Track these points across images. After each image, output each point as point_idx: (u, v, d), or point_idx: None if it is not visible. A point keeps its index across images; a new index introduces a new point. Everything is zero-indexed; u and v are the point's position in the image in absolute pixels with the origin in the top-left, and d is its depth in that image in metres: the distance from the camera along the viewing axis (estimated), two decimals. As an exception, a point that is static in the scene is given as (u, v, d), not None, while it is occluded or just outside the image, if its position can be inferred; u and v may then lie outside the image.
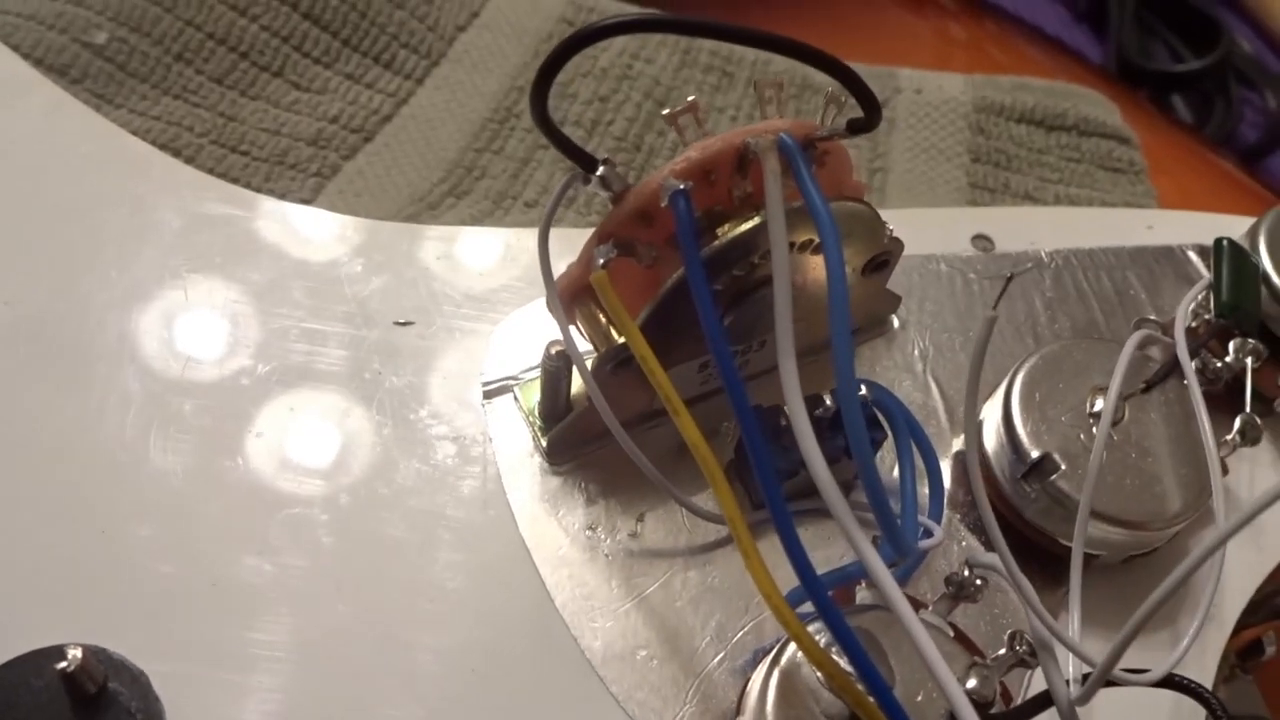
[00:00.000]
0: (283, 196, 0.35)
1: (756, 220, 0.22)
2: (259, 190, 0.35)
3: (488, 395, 0.26)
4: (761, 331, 0.25)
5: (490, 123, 0.39)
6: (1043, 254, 0.31)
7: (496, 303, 0.28)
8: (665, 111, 0.23)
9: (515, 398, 0.26)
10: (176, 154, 0.35)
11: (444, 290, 0.28)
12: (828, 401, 0.24)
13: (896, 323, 0.29)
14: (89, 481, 0.23)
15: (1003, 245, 0.31)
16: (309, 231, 0.29)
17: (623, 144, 0.39)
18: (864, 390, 0.24)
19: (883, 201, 0.41)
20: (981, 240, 0.31)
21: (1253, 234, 0.29)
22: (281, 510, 0.24)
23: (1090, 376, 0.26)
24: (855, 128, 0.22)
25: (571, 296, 0.24)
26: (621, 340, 0.23)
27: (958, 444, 0.28)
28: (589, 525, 0.25)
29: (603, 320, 0.24)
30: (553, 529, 0.24)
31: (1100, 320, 0.30)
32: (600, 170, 0.22)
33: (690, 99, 0.23)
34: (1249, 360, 0.27)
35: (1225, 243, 0.28)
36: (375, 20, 0.40)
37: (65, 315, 0.26)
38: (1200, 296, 0.28)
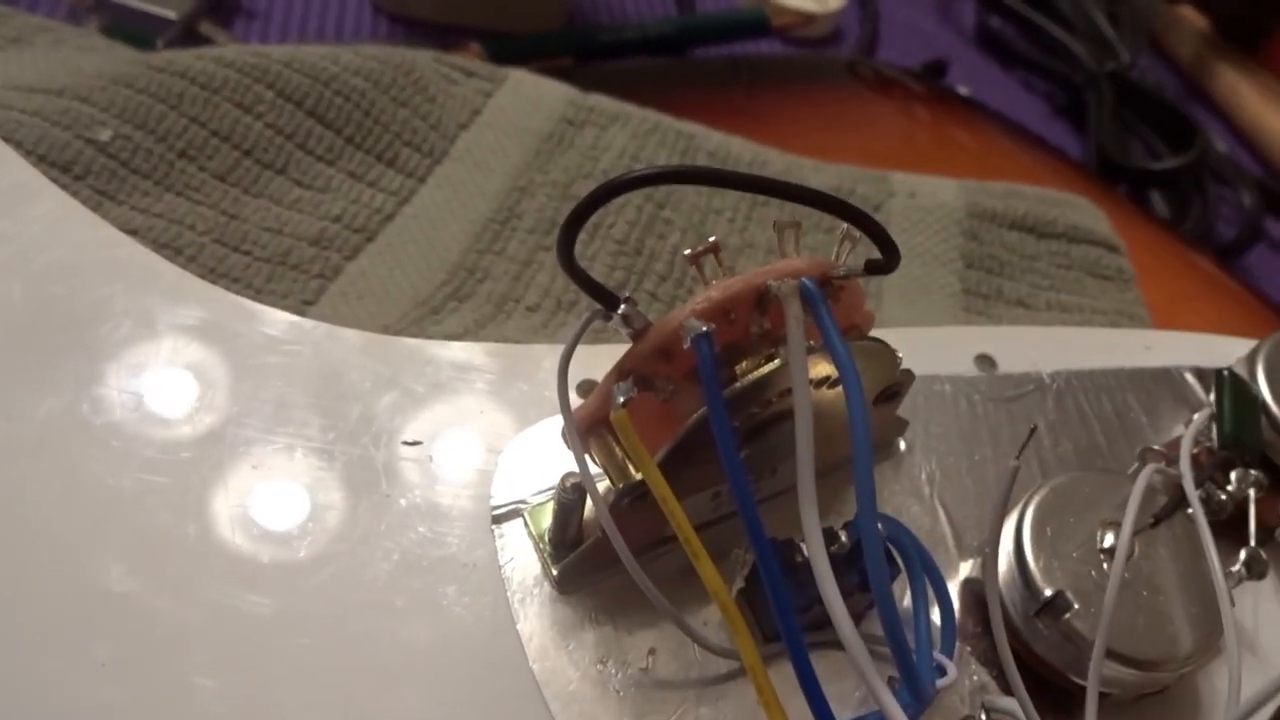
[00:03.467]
0: (285, 297, 0.35)
1: (777, 363, 0.22)
2: (260, 291, 0.35)
3: (496, 520, 0.26)
4: (774, 461, 0.25)
5: (492, 223, 0.40)
6: (1044, 375, 0.31)
7: (504, 421, 0.28)
8: (687, 252, 0.23)
9: (525, 522, 0.26)
10: (178, 253, 0.35)
11: (451, 409, 0.28)
12: (842, 538, 0.24)
13: (903, 446, 0.29)
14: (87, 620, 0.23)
15: (1005, 365, 0.31)
16: (316, 346, 0.28)
17: (624, 248, 0.39)
18: (880, 526, 0.24)
19: (879, 306, 0.41)
20: (984, 360, 0.31)
21: (1250, 361, 0.29)
22: (292, 638, 0.23)
23: (1099, 510, 0.26)
24: (872, 269, 0.23)
25: (588, 428, 0.24)
26: (639, 477, 0.23)
27: (965, 569, 0.28)
28: (599, 659, 0.24)
29: (618, 453, 0.24)
30: (563, 663, 0.24)
31: (1102, 444, 0.30)
32: (622, 309, 0.22)
33: (711, 239, 0.23)
34: (1251, 491, 0.27)
35: (1226, 374, 0.28)
36: (379, 118, 0.41)
37: (66, 432, 0.25)
38: (1202, 425, 0.28)
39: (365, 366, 0.28)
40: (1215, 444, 0.28)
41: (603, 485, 0.25)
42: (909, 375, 0.26)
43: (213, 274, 0.35)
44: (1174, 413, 0.31)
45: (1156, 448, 0.28)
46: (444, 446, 0.27)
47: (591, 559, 0.25)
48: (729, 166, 0.45)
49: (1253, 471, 0.27)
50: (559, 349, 0.29)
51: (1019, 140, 0.70)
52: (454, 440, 0.27)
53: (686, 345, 0.21)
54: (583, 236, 0.40)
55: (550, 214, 0.40)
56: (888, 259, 0.22)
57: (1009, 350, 0.32)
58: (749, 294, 0.22)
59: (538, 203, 0.41)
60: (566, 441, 0.24)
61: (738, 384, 0.22)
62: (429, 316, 0.35)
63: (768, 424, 0.24)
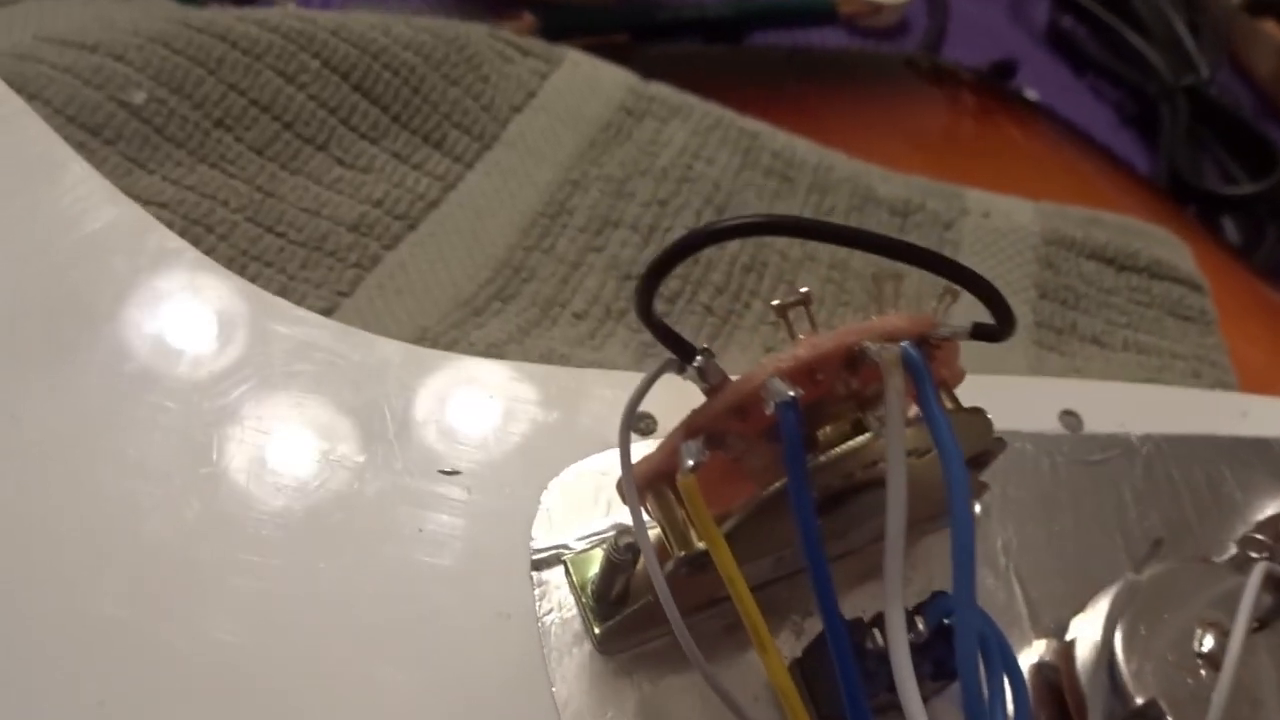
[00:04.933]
0: (319, 286, 0.33)
1: (868, 437, 0.20)
2: (294, 278, 0.33)
3: (537, 565, 0.24)
4: (846, 527, 0.23)
5: (541, 217, 0.37)
6: (1133, 438, 0.29)
7: (549, 454, 0.26)
8: (775, 303, 0.20)
9: (568, 570, 0.24)
10: (209, 230, 0.33)
11: (493, 435, 0.26)
12: (920, 626, 0.22)
13: (979, 508, 0.27)
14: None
15: (1091, 424, 0.29)
16: (350, 356, 0.26)
17: (680, 254, 0.37)
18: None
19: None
20: (1070, 417, 0.29)
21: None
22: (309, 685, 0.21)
23: (1196, 605, 0.24)
24: (982, 334, 0.20)
25: (647, 483, 0.22)
26: (701, 545, 0.20)
27: (1039, 650, 0.25)
28: (640, 729, 0.22)
29: (679, 514, 0.21)
30: (601, 733, 0.22)
31: (1193, 519, 0.28)
32: (698, 360, 0.20)
33: (804, 290, 0.20)
34: (1361, 593, 0.25)
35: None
36: (428, 96, 0.38)
37: (78, 434, 0.23)
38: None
39: (404, 383, 0.26)
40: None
41: (653, 532, 0.22)
42: (1000, 444, 0.23)
43: (244, 255, 0.33)
44: (1272, 489, 0.29)
45: (1260, 537, 0.26)
46: (484, 478, 0.25)
47: (639, 621, 0.23)
48: (793, 171, 0.42)
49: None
50: (611, 375, 0.27)
51: (1085, 150, 0.67)
52: (495, 472, 0.25)
53: (769, 411, 0.19)
54: (637, 239, 0.37)
55: (603, 211, 0.38)
56: (1002, 328, 0.20)
57: (1096, 406, 0.29)
58: (840, 354, 0.20)
59: (591, 198, 0.38)
60: (623, 496, 0.22)
61: (822, 458, 0.20)
62: (471, 319, 0.33)
63: (846, 493, 0.22)
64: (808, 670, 0.23)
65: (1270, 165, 0.64)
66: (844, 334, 0.20)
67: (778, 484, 0.20)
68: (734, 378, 0.20)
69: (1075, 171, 0.65)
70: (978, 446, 0.23)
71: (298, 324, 0.27)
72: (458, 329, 0.32)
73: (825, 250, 0.40)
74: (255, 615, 0.22)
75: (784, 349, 0.20)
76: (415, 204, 0.36)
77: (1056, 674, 0.24)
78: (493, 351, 0.31)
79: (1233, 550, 0.26)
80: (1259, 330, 0.51)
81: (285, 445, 0.24)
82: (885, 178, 0.43)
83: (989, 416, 0.22)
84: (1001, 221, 0.42)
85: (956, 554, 0.18)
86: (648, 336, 0.36)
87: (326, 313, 0.33)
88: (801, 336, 0.20)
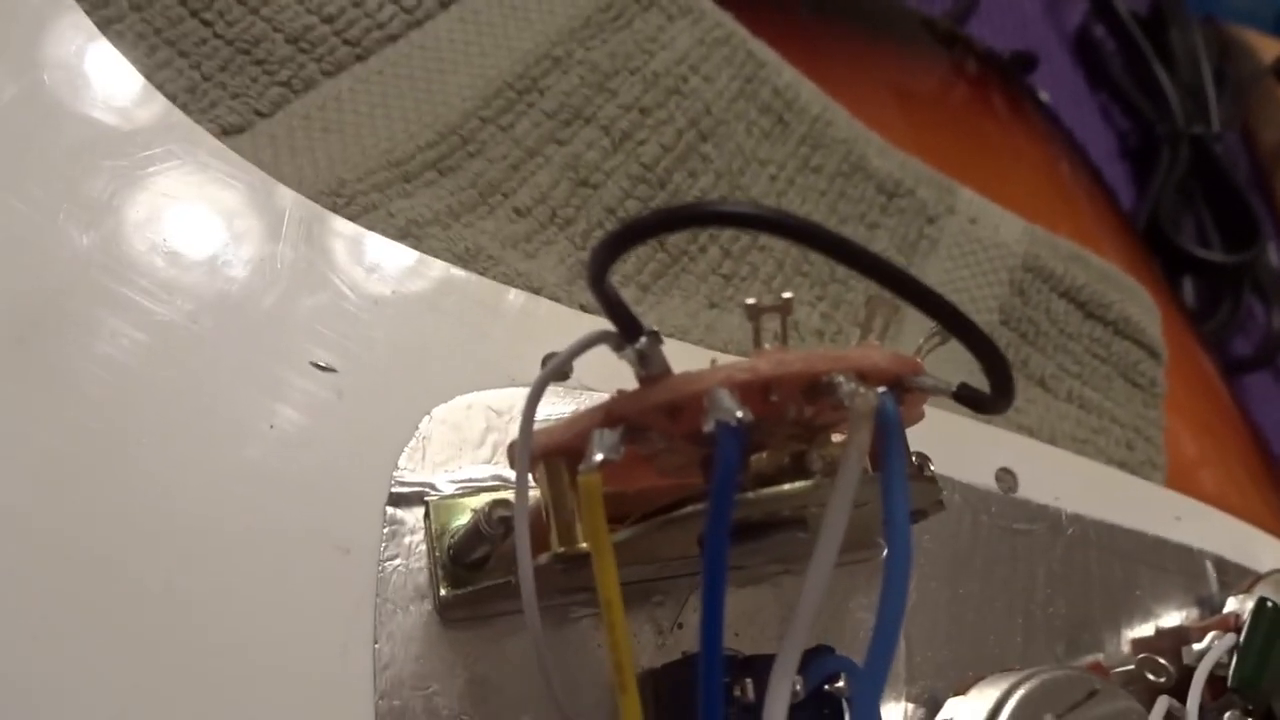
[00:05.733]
0: (235, 97, 0.28)
1: (809, 485, 0.17)
2: (208, 79, 0.28)
3: (394, 500, 0.21)
4: (748, 552, 0.21)
5: (509, 89, 0.33)
6: (1063, 515, 0.27)
7: (441, 375, 0.22)
8: (750, 302, 0.17)
9: (428, 514, 0.21)
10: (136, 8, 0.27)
11: (383, 337, 0.22)
12: (797, 686, 0.19)
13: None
14: None
15: (1026, 488, 0.27)
16: (241, 192, 0.22)
17: (648, 174, 0.33)
18: (841, 683, 0.20)
19: (898, 335, 0.36)
20: (1006, 476, 0.27)
21: (1292, 588, 0.25)
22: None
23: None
24: (968, 399, 0.17)
25: (544, 455, 0.18)
26: (585, 546, 0.18)
27: (903, 712, 0.23)
28: (461, 713, 0.20)
29: (570, 500, 0.18)
30: (416, 708, 0.19)
31: (1096, 618, 0.26)
32: (642, 342, 0.17)
33: (786, 296, 0.17)
34: (1244, 742, 0.23)
35: (1270, 608, 0.24)
36: (418, -90, 0.33)
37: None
38: (1221, 653, 0.24)
39: (295, 247, 0.22)
40: (1229, 678, 0.24)
41: (534, 493, 0.19)
42: (939, 507, 0.21)
43: (157, 36, 0.28)
44: (1181, 601, 0.27)
45: (1160, 660, 0.24)
46: (360, 383, 0.21)
47: (492, 595, 0.20)
48: (791, 115, 0.38)
49: None
50: (536, 303, 0.24)
51: (1076, 168, 0.65)
52: (374, 380, 0.21)
53: (708, 429, 0.16)
54: (605, 142, 0.33)
55: (578, 102, 0.33)
56: (995, 402, 0.17)
57: (1035, 470, 0.27)
58: (804, 379, 0.17)
59: (568, 83, 0.34)
60: (512, 460, 0.19)
61: (750, 494, 0.17)
62: (398, 184, 0.29)
63: (763, 527, 0.19)
64: (661, 692, 0.21)
65: (1248, 239, 0.62)
66: (815, 359, 0.17)
67: (693, 508, 0.17)
68: (679, 372, 0.17)
69: (1059, 186, 0.63)
70: (917, 504, 0.20)
71: (191, 143, 0.22)
72: (380, 192, 0.28)
73: (799, 210, 0.37)
74: (55, 482, 0.18)
75: (744, 359, 0.17)
76: (371, 32, 0.31)
77: (918, 747, 0.22)
78: (412, 231, 0.27)
79: (1129, 659, 0.25)
80: (1191, 405, 0.50)
81: (130, 289, 0.20)
82: (883, 150, 0.40)
83: (939, 484, 0.20)
84: (986, 232, 0.39)
85: (876, 645, 0.15)
86: (588, 256, 0.33)
87: (235, 131, 0.28)
88: (768, 347, 0.17)
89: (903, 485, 0.15)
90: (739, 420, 0.15)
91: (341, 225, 0.23)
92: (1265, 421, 0.61)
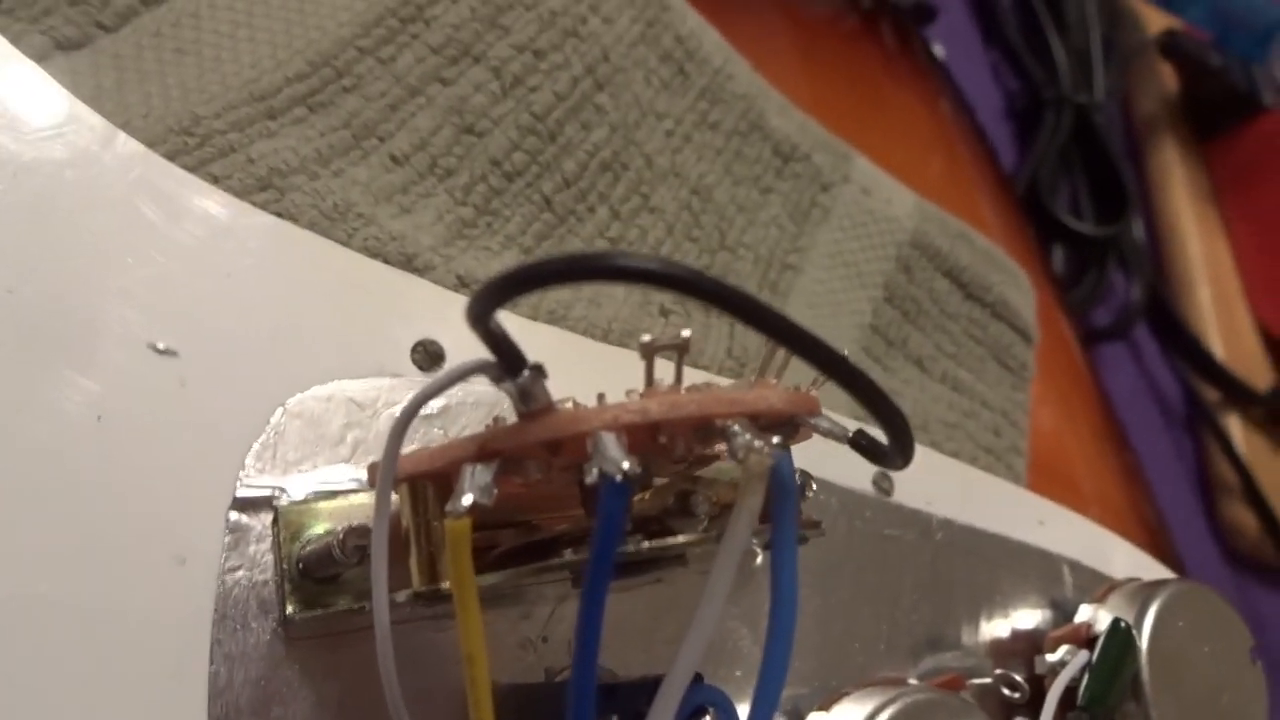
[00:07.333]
0: (74, 5, 0.25)
1: (693, 539, 0.16)
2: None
3: (239, 504, 0.19)
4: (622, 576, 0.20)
5: (392, 17, 0.30)
6: (934, 521, 0.27)
7: (298, 361, 0.20)
8: (645, 339, 0.16)
9: (276, 520, 0.19)
10: None
11: (235, 317, 0.20)
12: None
13: (759, 559, 0.24)
14: None
15: (901, 492, 0.27)
16: (73, 139, 0.19)
17: (538, 125, 0.31)
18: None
19: (784, 304, 0.35)
20: (884, 479, 0.26)
21: (1143, 606, 0.26)
22: None
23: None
24: (864, 449, 0.17)
25: (407, 478, 0.17)
26: (446, 585, 0.16)
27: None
28: (303, 738, 0.18)
29: (436, 528, 0.17)
30: (254, 737, 0.18)
31: (955, 621, 0.26)
32: (525, 375, 0.15)
33: (685, 334, 0.16)
34: (1083, 757, 0.24)
35: (1124, 629, 0.25)
36: None
37: None
38: (1075, 671, 0.25)
39: (134, 207, 0.19)
40: (1079, 695, 0.24)
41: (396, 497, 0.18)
42: (819, 532, 0.20)
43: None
44: (1037, 604, 0.28)
45: (1015, 677, 0.24)
46: (207, 370, 0.19)
47: (344, 620, 0.18)
48: (695, 61, 0.36)
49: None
50: (412, 283, 0.22)
51: (962, 127, 0.65)
52: (222, 366, 0.19)
53: (590, 480, 0.14)
54: (495, 87, 0.31)
55: (467, 37, 0.31)
56: (894, 460, 0.16)
57: (911, 474, 0.27)
58: (695, 423, 0.16)
59: (458, 14, 0.31)
60: (371, 480, 0.17)
61: (630, 547, 0.16)
62: (262, 121, 0.26)
63: (639, 566, 0.18)
64: (522, 711, 0.20)
65: (1118, 212, 0.64)
66: (709, 403, 0.16)
67: (571, 558, 0.16)
68: (560, 403, 0.15)
69: (947, 144, 0.63)
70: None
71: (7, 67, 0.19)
72: (239, 131, 0.25)
73: (693, 169, 0.35)
74: None
75: (633, 398, 0.15)
76: (238, -62, 0.28)
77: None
78: (275, 181, 0.24)
79: (987, 670, 0.25)
80: (1051, 372, 0.51)
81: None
82: (782, 109, 0.39)
83: (820, 523, 0.19)
84: (879, 205, 0.39)
85: (756, 711, 0.15)
86: (469, 213, 0.31)
87: (72, 46, 0.25)
88: (660, 385, 0.16)
89: (793, 556, 0.15)
90: (625, 475, 0.14)
91: (188, 183, 0.20)
92: (1115, 390, 0.64)
